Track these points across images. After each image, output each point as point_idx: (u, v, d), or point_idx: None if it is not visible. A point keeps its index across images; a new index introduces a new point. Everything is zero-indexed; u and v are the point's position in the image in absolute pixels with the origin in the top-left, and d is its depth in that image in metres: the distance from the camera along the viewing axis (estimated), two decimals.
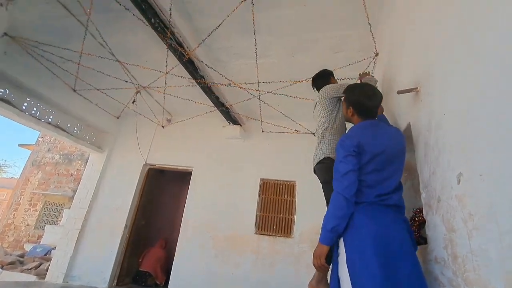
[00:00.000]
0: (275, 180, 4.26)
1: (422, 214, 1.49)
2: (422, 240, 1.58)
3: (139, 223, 4.69)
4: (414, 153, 1.57)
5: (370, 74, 2.58)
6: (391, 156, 1.36)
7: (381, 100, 1.59)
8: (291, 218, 4.00)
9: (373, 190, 1.30)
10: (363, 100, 1.53)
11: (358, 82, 2.49)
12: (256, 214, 4.08)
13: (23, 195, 9.50)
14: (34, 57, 3.35)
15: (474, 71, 0.94)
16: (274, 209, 4.12)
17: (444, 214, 1.10)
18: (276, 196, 4.18)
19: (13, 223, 9.25)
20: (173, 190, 5.64)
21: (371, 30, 2.40)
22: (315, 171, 2.03)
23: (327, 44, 2.83)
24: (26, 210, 9.32)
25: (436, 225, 1.19)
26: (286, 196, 4.15)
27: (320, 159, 1.88)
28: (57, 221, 9.02)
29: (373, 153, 1.35)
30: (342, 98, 1.73)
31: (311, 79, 2.38)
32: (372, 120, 1.54)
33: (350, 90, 1.64)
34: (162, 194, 5.41)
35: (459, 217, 0.98)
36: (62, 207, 9.13)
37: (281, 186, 4.22)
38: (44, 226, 8.57)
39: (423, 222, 1.53)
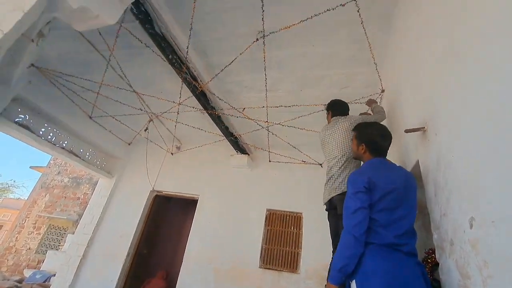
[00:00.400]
0: (282, 211, 4.19)
1: (435, 256, 1.44)
2: (435, 283, 1.51)
3: (142, 252, 4.59)
4: (424, 191, 1.56)
5: (378, 102, 2.60)
6: (403, 196, 1.34)
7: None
8: (298, 252, 3.86)
9: (386, 231, 1.27)
10: (377, 138, 1.57)
11: (367, 107, 2.54)
12: (262, 246, 3.96)
13: (28, 217, 9.49)
14: (56, 86, 3.57)
15: (482, 113, 0.95)
16: (280, 241, 4.00)
17: (458, 259, 1.07)
18: (282, 228, 4.09)
19: (14, 246, 9.14)
20: (177, 218, 5.57)
21: (376, 69, 2.50)
22: (330, 202, 1.96)
23: (334, 80, 2.94)
24: (30, 233, 9.25)
25: (450, 270, 1.15)
26: (292, 228, 4.05)
27: (344, 190, 1.82)
28: (59, 245, 8.89)
29: (384, 190, 1.33)
30: (353, 134, 1.74)
31: (326, 104, 2.42)
32: (383, 159, 1.56)
33: (364, 127, 1.68)
34: (166, 222, 5.34)
35: (474, 264, 0.95)
36: (66, 231, 9.04)
37: (288, 218, 4.14)
38: (46, 250, 8.43)
39: (435, 264, 1.48)
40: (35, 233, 9.22)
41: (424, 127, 1.51)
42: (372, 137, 1.58)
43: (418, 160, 1.65)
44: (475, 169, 0.98)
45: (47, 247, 8.91)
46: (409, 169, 1.79)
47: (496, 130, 0.87)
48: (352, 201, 1.34)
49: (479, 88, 0.99)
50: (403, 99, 2.07)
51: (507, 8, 0.85)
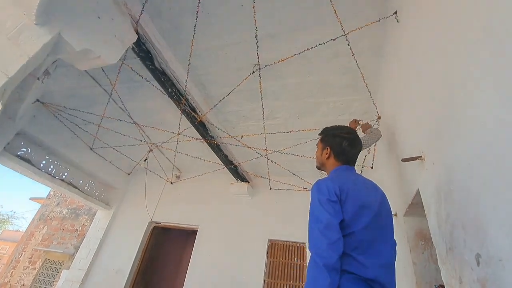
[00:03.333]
0: (284, 241, 4.05)
1: None
2: None
3: None
4: (427, 221, 1.51)
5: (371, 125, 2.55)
6: (377, 215, 1.12)
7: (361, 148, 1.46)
8: (302, 286, 3.66)
9: (365, 258, 1.00)
10: (344, 142, 1.32)
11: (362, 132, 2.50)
12: (264, 280, 3.77)
13: (24, 251, 9.21)
14: (59, 120, 3.64)
15: (478, 142, 0.92)
16: (283, 274, 3.81)
17: None
18: (285, 259, 3.92)
19: (9, 282, 8.78)
20: (176, 250, 5.38)
21: (371, 97, 2.55)
22: None
23: (331, 108, 2.99)
24: (25, 268, 8.91)
25: None
26: (295, 259, 3.89)
27: None
28: (54, 281, 8.52)
29: (359, 203, 1.09)
30: (319, 139, 1.47)
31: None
32: (351, 167, 1.33)
33: (331, 129, 1.43)
34: (164, 255, 5.15)
35: None
36: (61, 265, 8.72)
37: (291, 248, 3.99)
38: (40, 287, 8.08)
39: None
40: (30, 268, 8.89)
41: (421, 156, 1.49)
42: (339, 140, 1.31)
43: (418, 189, 1.62)
44: (476, 203, 0.94)
45: (41, 283, 8.55)
46: (410, 197, 1.75)
47: (495, 161, 0.83)
48: (323, 211, 1.03)
49: (473, 117, 0.96)
50: (399, 126, 2.07)
51: (502, 36, 0.87)
